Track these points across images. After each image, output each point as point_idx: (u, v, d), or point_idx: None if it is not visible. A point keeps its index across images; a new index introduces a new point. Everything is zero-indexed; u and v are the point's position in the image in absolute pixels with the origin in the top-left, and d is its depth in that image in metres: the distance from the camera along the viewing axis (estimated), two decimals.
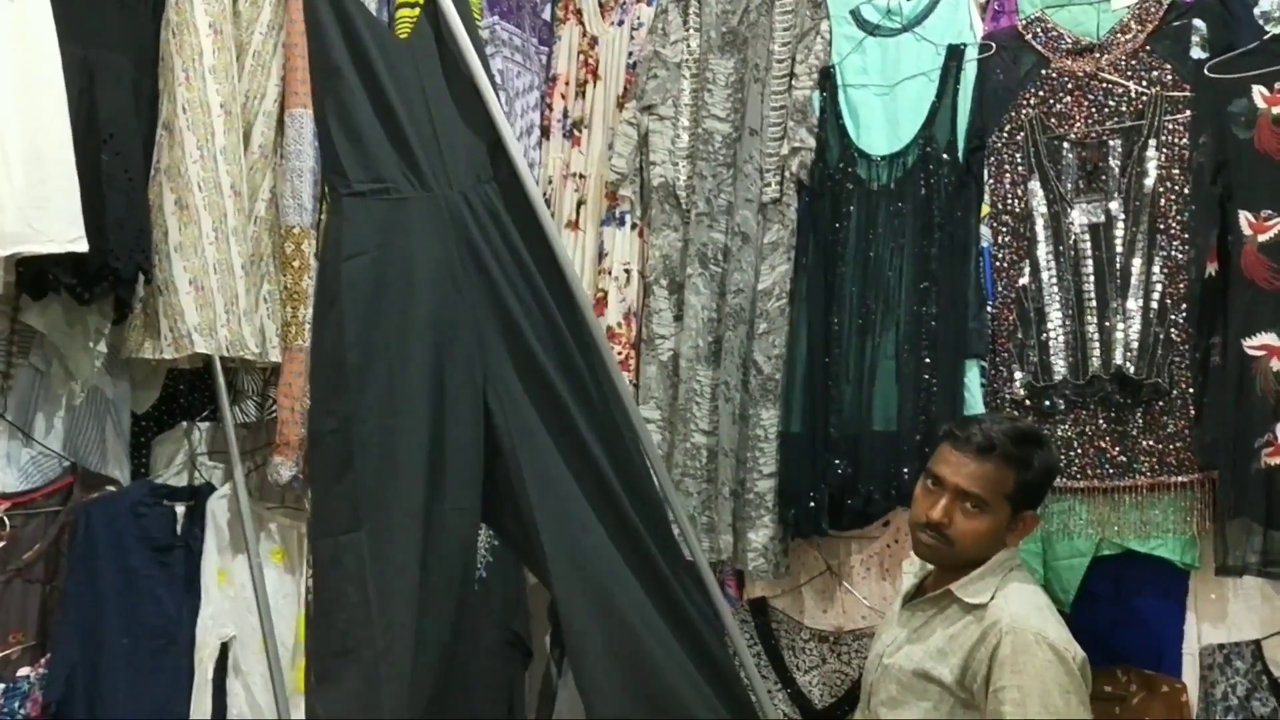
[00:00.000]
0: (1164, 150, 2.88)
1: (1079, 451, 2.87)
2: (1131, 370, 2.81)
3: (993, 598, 2.32)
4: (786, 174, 3.18)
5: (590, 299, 2.91)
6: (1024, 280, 2.97)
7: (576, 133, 3.57)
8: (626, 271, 3.38)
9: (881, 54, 3.20)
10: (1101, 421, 2.86)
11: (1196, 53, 2.87)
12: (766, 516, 3.07)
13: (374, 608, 2.21)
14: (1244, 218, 2.75)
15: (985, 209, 3.02)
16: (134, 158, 2.61)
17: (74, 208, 2.43)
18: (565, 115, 3.61)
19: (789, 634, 3.22)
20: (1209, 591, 2.80)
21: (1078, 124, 2.98)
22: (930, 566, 2.48)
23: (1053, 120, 3.00)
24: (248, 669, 2.91)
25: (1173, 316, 2.81)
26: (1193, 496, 2.76)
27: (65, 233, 2.41)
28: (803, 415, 3.05)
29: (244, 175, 2.76)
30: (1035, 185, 2.97)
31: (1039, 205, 2.97)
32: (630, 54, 3.53)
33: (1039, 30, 3.07)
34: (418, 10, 2.49)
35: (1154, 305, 2.83)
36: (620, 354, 3.31)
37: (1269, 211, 2.73)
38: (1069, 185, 2.95)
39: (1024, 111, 3.03)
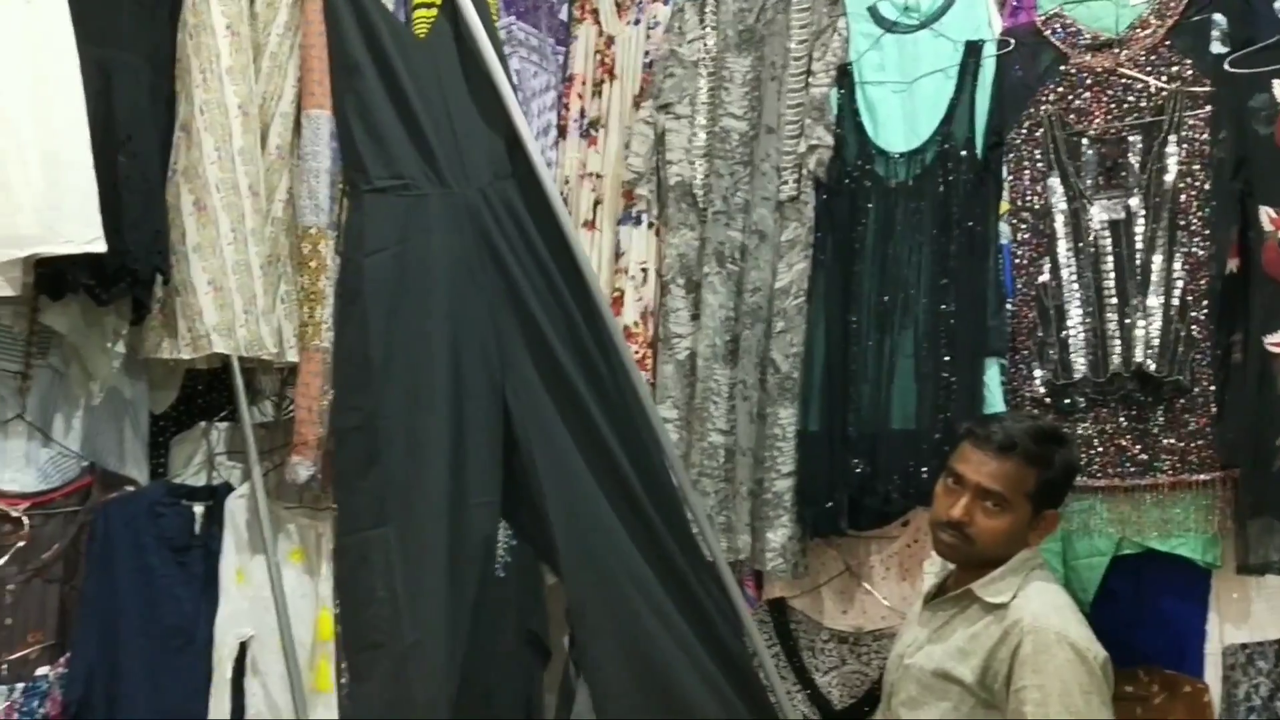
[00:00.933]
0: (1184, 146, 2.85)
1: (1099, 450, 2.84)
2: (1152, 367, 2.78)
3: (1014, 597, 2.31)
4: (804, 172, 3.17)
5: (607, 297, 2.88)
6: (1044, 277, 2.94)
7: (593, 132, 3.57)
8: (643, 270, 3.37)
9: (899, 51, 3.18)
10: (1122, 419, 2.83)
11: (1216, 47, 2.84)
12: (785, 516, 3.04)
13: (402, 602, 2.21)
14: (1265, 213, 2.71)
15: (1004, 206, 2.99)
16: (151, 159, 2.62)
17: (92, 209, 2.44)
18: (582, 115, 3.60)
19: (808, 634, 3.20)
20: (1231, 591, 2.77)
21: (1097, 120, 2.95)
22: (951, 566, 2.47)
23: (1072, 116, 2.97)
24: (266, 669, 2.90)
25: (1193, 313, 2.78)
26: (1214, 495, 2.73)
27: (83, 234, 2.41)
28: (821, 414, 3.03)
29: (261, 176, 2.76)
30: (1055, 182, 2.95)
31: (1058, 202, 2.94)
32: (647, 53, 3.52)
33: (1057, 26, 3.04)
34: (435, 9, 2.51)
35: (1175, 302, 2.80)
36: (637, 353, 3.29)
37: None
38: (1088, 181, 2.92)
39: (1043, 107, 3.00)
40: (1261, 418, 2.65)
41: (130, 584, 2.75)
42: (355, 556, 2.27)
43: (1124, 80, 2.94)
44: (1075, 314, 2.88)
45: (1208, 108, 2.83)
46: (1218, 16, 2.85)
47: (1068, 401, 2.87)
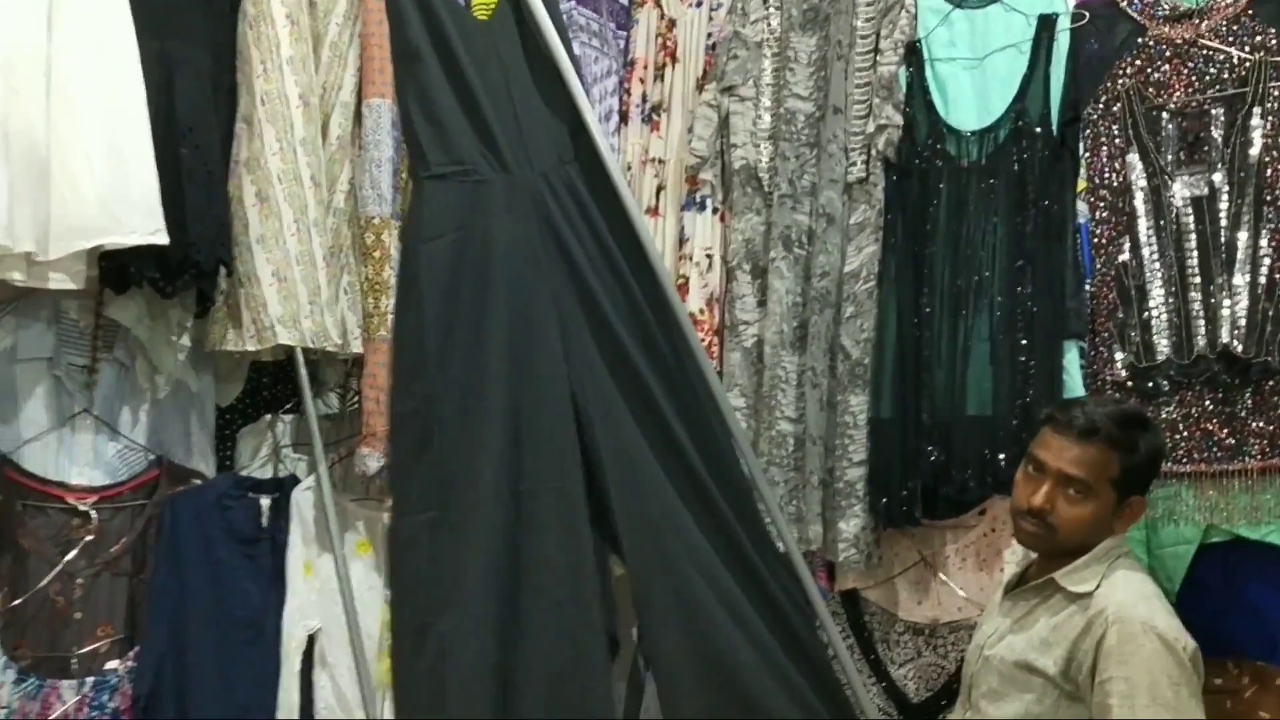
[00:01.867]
0: (1270, 118, 2.76)
1: (1185, 434, 2.76)
2: (1239, 348, 2.69)
3: (1098, 586, 2.26)
4: (873, 152, 3.11)
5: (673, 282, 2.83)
6: (1124, 257, 2.87)
7: (655, 117, 3.51)
8: (708, 257, 3.31)
9: (969, 26, 3.11)
10: (1208, 402, 2.75)
11: None
12: (857, 506, 3.00)
13: (447, 587, 2.21)
14: None
15: (1081, 184, 2.93)
16: (213, 151, 2.61)
17: (154, 201, 2.43)
18: (644, 100, 3.55)
19: (882, 627, 3.15)
20: None
21: (1177, 93, 2.86)
22: (1033, 555, 2.41)
23: (1150, 90, 2.89)
24: (334, 661, 2.88)
25: None
26: None
27: (146, 224, 2.41)
28: (893, 400, 2.98)
29: (323, 167, 2.74)
30: (1134, 158, 2.87)
31: (1138, 179, 2.86)
32: (709, 35, 3.46)
33: None
34: None
35: (1262, 280, 2.71)
36: (703, 341, 3.21)
37: None
38: (1169, 157, 2.84)
39: (1120, 81, 2.92)
40: None
41: (198, 577, 2.75)
42: (405, 539, 2.27)
43: (1205, 51, 2.85)
44: (1157, 294, 2.81)
45: None
46: None
47: (1150, 385, 2.80)
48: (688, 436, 2.40)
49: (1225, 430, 2.73)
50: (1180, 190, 2.82)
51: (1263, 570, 2.74)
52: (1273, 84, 2.76)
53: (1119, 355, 2.85)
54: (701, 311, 3.28)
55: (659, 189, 3.45)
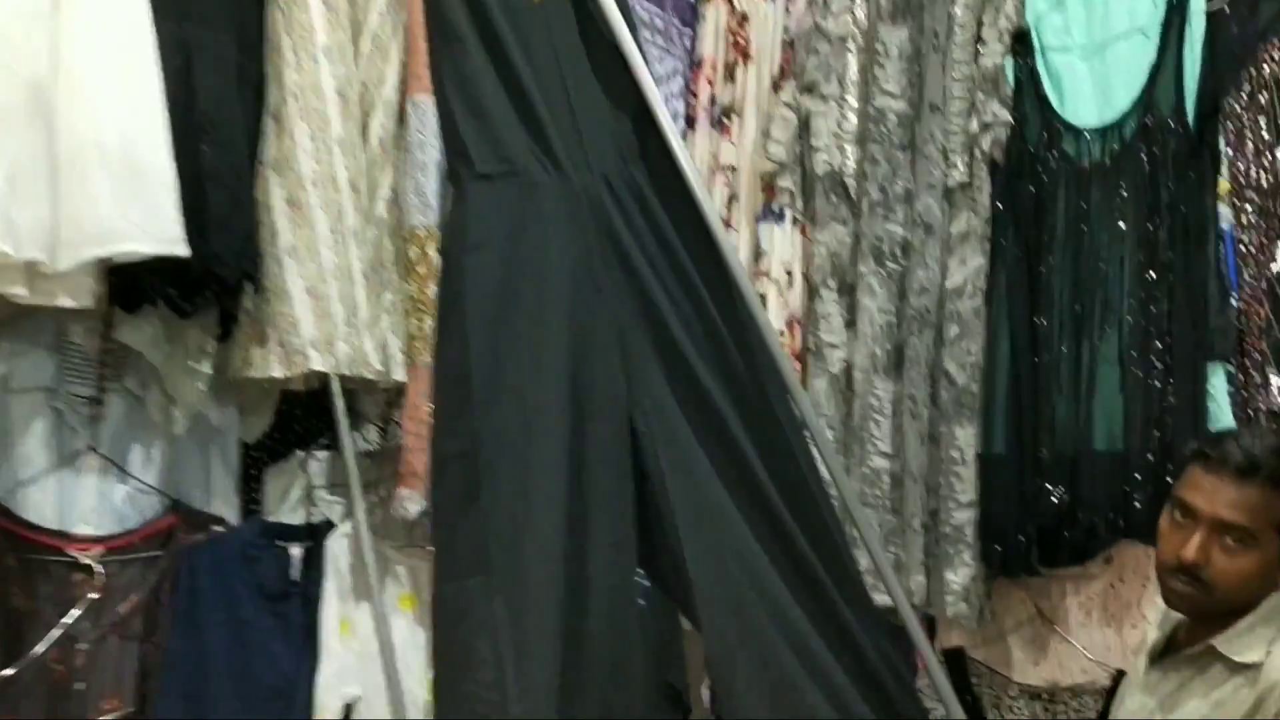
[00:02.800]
0: None
1: None
2: None
3: (1268, 654, 2.02)
4: (976, 154, 2.90)
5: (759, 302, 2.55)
6: (1276, 266, 2.76)
7: (725, 121, 3.29)
8: (788, 273, 3.10)
9: (1086, 10, 2.90)
10: None
11: None
12: (966, 553, 2.80)
13: (509, 666, 1.98)
14: None
15: (1224, 185, 2.77)
16: (238, 150, 2.38)
17: (171, 206, 2.19)
18: (713, 102, 3.32)
19: (993, 690, 2.95)
20: None
21: None
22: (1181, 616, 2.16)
23: None
24: None
25: None
26: None
27: (163, 232, 2.17)
28: (1006, 433, 2.79)
29: (363, 170, 2.51)
30: None
31: None
32: (786, 30, 3.25)
33: None
34: None
35: None
36: None
37: None
38: None
39: (1266, 69, 2.83)
40: None
41: (220, 639, 2.50)
42: (454, 609, 2.02)
43: None
44: None
45: None
46: None
47: None
48: (771, 478, 2.18)
49: None
50: None
51: None
52: None
53: (1274, 379, 2.76)
54: (781, 334, 3.07)
55: (730, 199, 3.24)
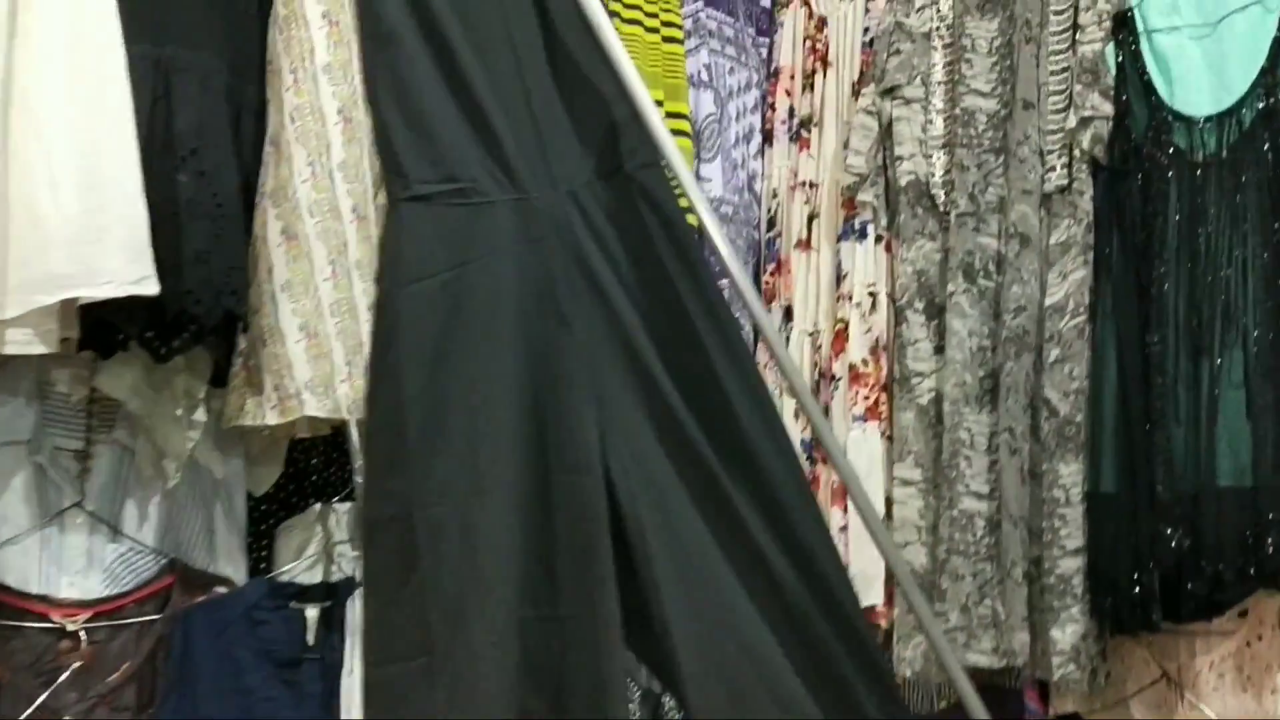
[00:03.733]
0: None
1: None
2: None
3: None
4: (1076, 153, 2.68)
5: (771, 328, 2.28)
6: None
7: (804, 133, 3.09)
8: (871, 295, 2.88)
9: None
10: None
11: None
12: (1075, 607, 2.55)
13: None
14: None
15: None
16: (224, 179, 2.21)
17: (139, 241, 2.02)
18: (791, 114, 3.13)
19: None
20: None
21: None
22: None
23: None
24: None
25: None
26: None
27: (127, 271, 2.00)
28: (1117, 469, 2.58)
29: (370, 197, 2.32)
30: None
31: None
32: (866, 29, 3.03)
33: None
34: None
35: None
36: (868, 398, 2.83)
37: None
38: None
39: None
40: None
41: (221, 711, 2.32)
42: (388, 697, 1.81)
43: None
44: None
45: None
46: None
47: None
48: (776, 545, 1.92)
49: None
50: None
51: None
52: None
53: None
54: (865, 362, 2.85)
55: (810, 218, 3.03)
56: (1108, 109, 2.63)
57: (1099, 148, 2.64)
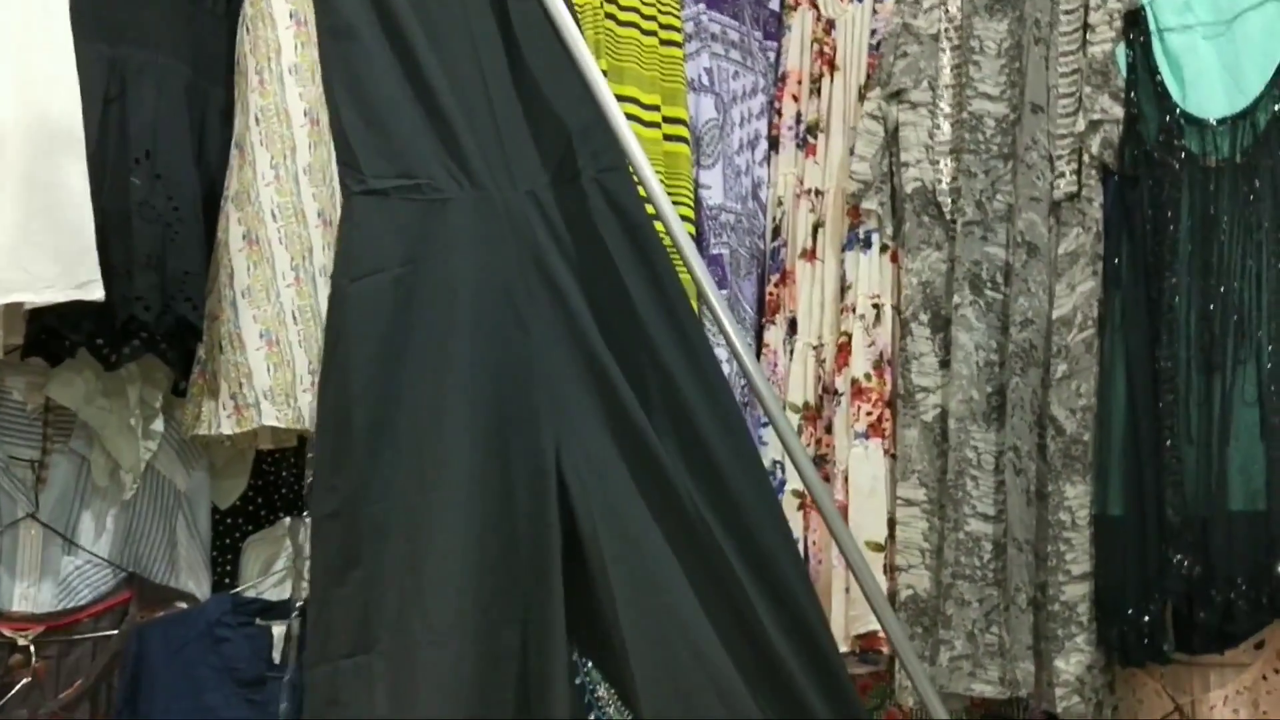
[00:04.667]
0: None
1: None
2: None
3: None
4: (1085, 158, 2.58)
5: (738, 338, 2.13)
6: None
7: (811, 139, 3.00)
8: (875, 307, 2.78)
9: None
10: None
11: None
12: (1080, 636, 2.45)
13: None
14: None
15: None
16: (182, 183, 2.17)
17: (84, 244, 1.99)
18: (797, 120, 3.04)
19: None
20: None
21: None
22: None
23: None
24: None
25: None
26: None
27: (71, 275, 1.96)
28: (1125, 491, 2.47)
29: (336, 202, 2.26)
30: None
31: None
32: (873, 32, 2.94)
33: None
34: None
35: None
36: (871, 414, 2.72)
37: None
38: None
39: None
40: None
41: None
42: (324, 696, 1.78)
43: None
44: None
45: None
46: None
47: None
48: (737, 555, 1.92)
49: None
50: None
51: None
52: None
53: None
54: (868, 377, 2.75)
55: (816, 227, 2.93)
56: (1118, 112, 2.54)
57: (1109, 153, 2.54)
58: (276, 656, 2.34)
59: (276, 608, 2.39)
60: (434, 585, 1.79)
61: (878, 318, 2.77)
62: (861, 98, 2.91)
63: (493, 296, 1.88)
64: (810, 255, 2.90)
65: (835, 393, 2.76)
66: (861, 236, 2.81)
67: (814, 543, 2.69)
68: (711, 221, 2.88)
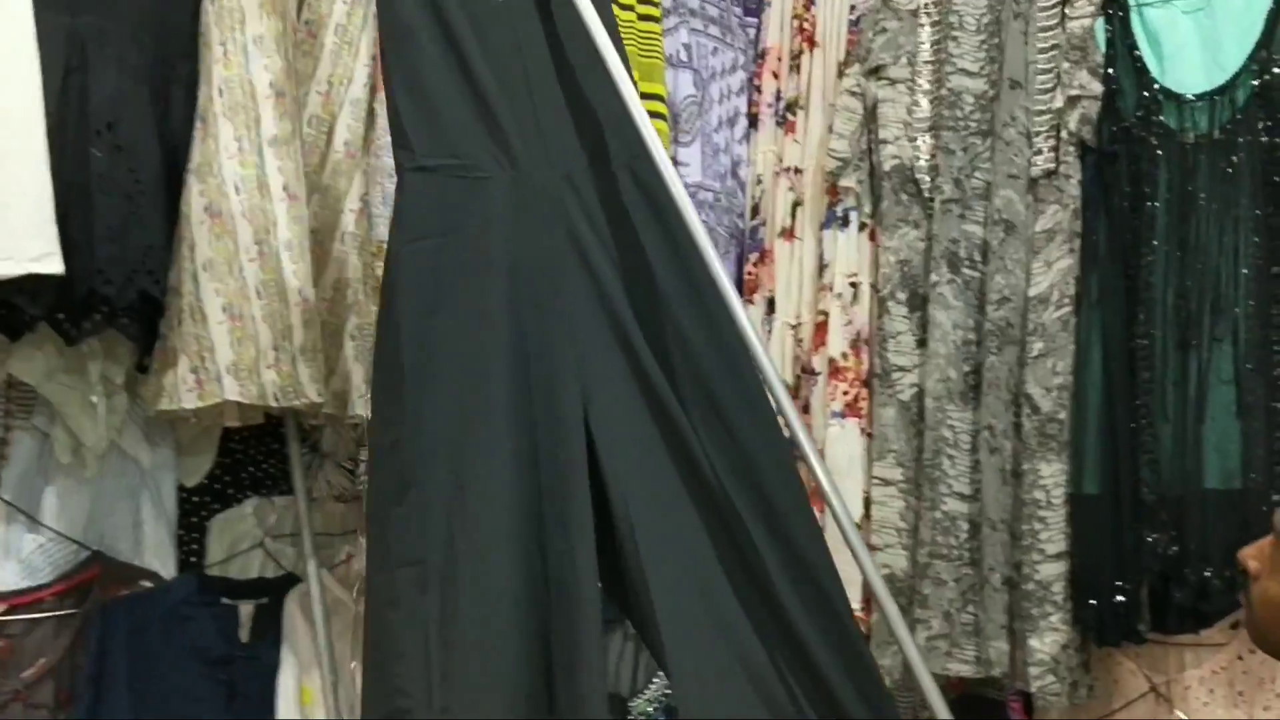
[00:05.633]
0: None
1: None
2: None
3: None
4: (1063, 135, 2.55)
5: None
6: None
7: (790, 116, 2.97)
8: (853, 285, 2.76)
9: None
10: None
11: None
12: (1055, 615, 2.44)
13: (433, 658, 1.96)
14: None
15: None
16: (144, 155, 2.14)
17: (42, 217, 1.96)
18: (777, 97, 3.01)
19: None
20: None
21: None
22: None
23: None
24: None
25: None
26: None
27: (27, 248, 1.94)
28: (1100, 469, 2.46)
29: (299, 175, 2.27)
30: None
31: None
32: (853, 7, 2.91)
33: None
34: None
35: None
36: (847, 393, 2.71)
37: None
38: None
39: None
40: None
41: (143, 710, 2.22)
42: (383, 600, 1.99)
43: None
44: None
45: None
46: None
47: None
48: (751, 512, 2.08)
49: None
50: None
51: None
52: None
53: None
54: (845, 356, 2.74)
55: (795, 205, 2.91)
56: (1096, 88, 2.50)
57: (1087, 129, 2.51)
58: (244, 636, 2.36)
59: (243, 587, 2.40)
60: (475, 508, 1.97)
61: (855, 296, 2.76)
62: (840, 73, 2.87)
63: (528, 265, 2.06)
64: (789, 234, 2.88)
65: (813, 372, 2.75)
66: (840, 214, 2.79)
67: None
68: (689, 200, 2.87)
